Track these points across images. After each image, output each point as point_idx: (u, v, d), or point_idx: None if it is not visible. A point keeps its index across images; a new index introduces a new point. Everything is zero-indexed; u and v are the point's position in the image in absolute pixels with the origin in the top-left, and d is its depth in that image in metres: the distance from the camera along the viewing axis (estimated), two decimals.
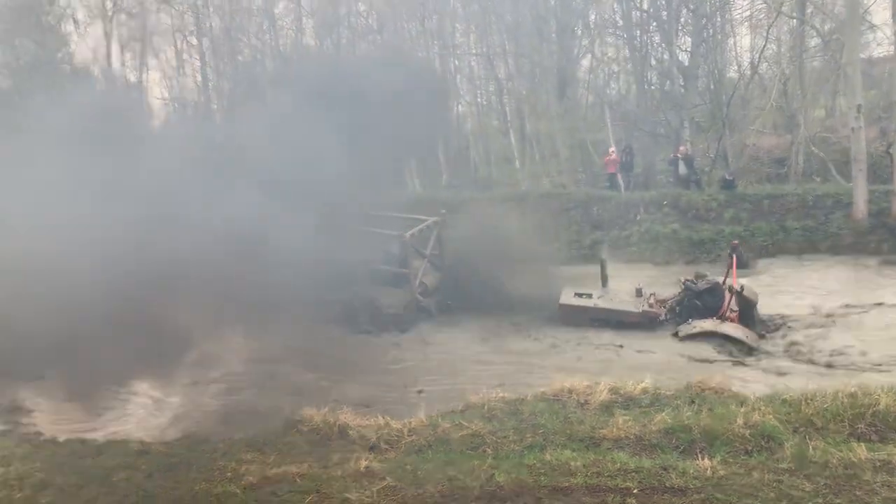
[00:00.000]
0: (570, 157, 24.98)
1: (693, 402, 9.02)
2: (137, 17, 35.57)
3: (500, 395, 9.66)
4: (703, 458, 7.45)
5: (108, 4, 34.17)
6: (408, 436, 8.66)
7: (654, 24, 24.94)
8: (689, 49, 24.19)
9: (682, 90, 23.37)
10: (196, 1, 34.43)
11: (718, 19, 27.22)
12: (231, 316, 11.43)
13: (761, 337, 13.00)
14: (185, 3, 35.33)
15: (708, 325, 12.88)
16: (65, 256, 8.15)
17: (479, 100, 32.23)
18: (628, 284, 14.76)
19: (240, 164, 11.28)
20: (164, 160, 10.92)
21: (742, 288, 13.18)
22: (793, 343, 12.69)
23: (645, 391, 9.44)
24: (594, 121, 33.07)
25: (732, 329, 12.74)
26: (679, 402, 9.03)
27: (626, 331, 13.58)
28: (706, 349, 12.55)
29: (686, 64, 23.31)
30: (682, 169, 21.66)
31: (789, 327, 13.44)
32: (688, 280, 13.99)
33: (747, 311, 13.31)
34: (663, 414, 8.52)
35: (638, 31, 25.76)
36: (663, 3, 23.33)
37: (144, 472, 8.30)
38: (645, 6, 25.37)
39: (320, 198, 11.66)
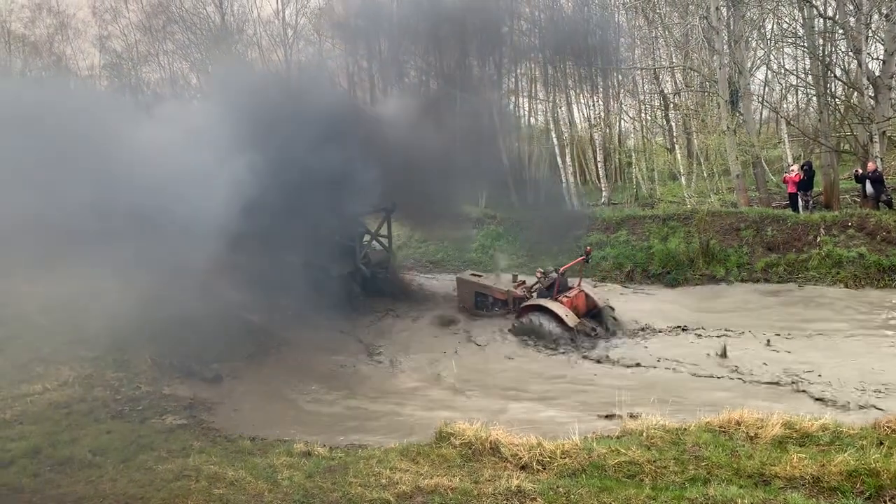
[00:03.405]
0: (741, 174, 23.60)
1: (882, 443, 8.09)
2: (314, 43, 38.08)
3: (661, 422, 9.20)
4: None
5: (289, 33, 36.82)
6: (560, 458, 8.44)
7: (841, 31, 23.15)
8: (881, 57, 22.18)
9: (873, 102, 21.42)
10: (367, 27, 36.22)
11: None
12: None
13: (593, 330, 15.40)
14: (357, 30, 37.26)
15: (539, 301, 15.73)
16: None
17: (642, 115, 31.37)
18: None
19: None
20: None
21: (556, 272, 16.17)
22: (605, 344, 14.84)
23: (824, 428, 8.60)
24: (769, 136, 31.21)
25: (556, 306, 15.29)
26: (864, 442, 8.13)
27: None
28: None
29: (877, 73, 21.35)
30: (870, 187, 19.87)
31: (622, 332, 15.58)
32: (540, 272, 16.85)
33: (594, 312, 15.98)
34: (845, 455, 7.71)
35: (821, 40, 23.99)
36: (851, 9, 21.55)
37: (305, 472, 8.65)
38: (830, 13, 23.62)
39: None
